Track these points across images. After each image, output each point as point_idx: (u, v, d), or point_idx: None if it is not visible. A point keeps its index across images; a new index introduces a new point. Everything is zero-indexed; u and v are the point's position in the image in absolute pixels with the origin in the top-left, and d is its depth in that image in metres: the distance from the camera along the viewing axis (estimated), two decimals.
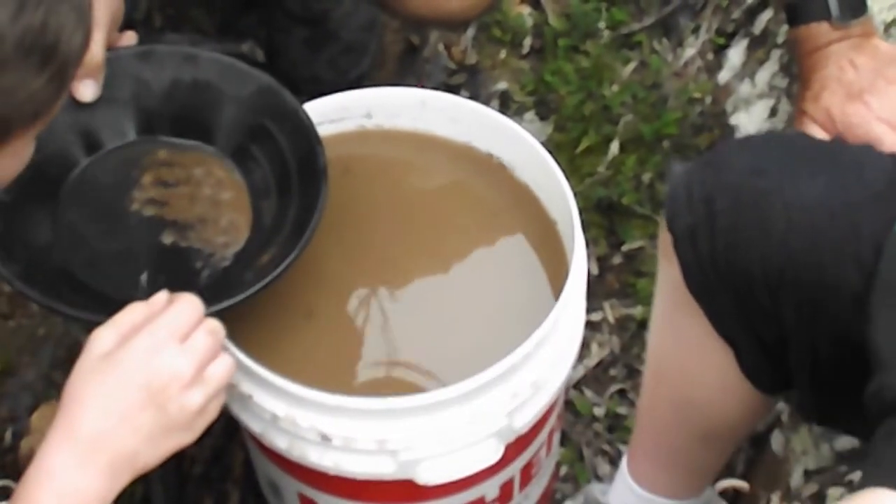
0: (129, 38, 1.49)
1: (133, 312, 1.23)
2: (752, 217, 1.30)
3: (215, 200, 1.47)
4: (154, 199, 1.46)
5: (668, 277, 1.43)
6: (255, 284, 1.36)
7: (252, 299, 1.36)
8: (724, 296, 1.35)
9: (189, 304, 1.24)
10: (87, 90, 1.43)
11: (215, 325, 1.25)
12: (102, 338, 1.21)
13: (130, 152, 1.48)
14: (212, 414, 1.23)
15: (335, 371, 1.48)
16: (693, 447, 1.58)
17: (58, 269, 1.40)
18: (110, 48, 1.45)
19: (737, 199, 1.31)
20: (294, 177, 1.46)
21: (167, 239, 1.44)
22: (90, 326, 1.25)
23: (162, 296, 1.26)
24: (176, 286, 1.36)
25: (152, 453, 1.20)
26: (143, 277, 1.41)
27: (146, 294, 1.27)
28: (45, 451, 1.16)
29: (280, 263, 1.37)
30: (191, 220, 1.45)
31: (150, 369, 1.19)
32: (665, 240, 1.39)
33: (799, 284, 1.28)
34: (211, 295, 1.34)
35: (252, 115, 1.49)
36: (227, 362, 1.25)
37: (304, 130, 1.47)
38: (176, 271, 1.43)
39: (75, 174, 1.46)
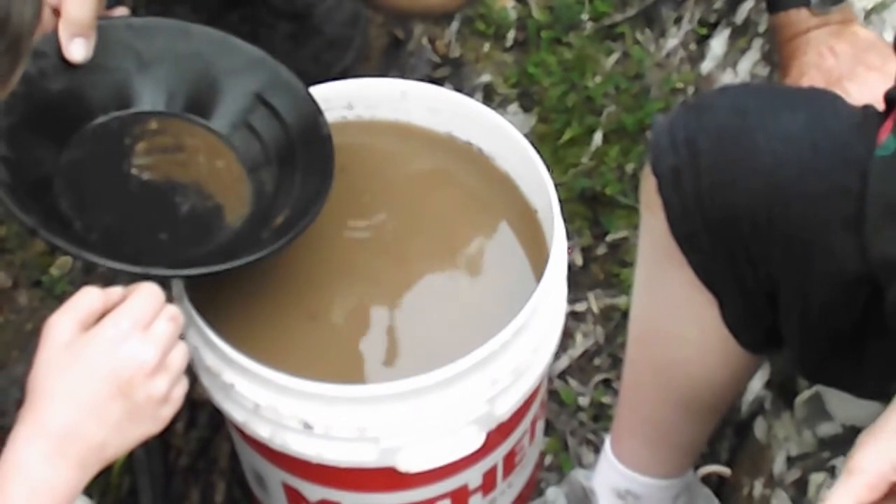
0: (121, 11, 1.49)
1: (88, 297, 1.22)
2: (737, 153, 1.30)
3: (211, 168, 1.47)
4: (151, 165, 1.45)
5: (650, 230, 1.43)
6: (276, 241, 1.36)
7: (278, 253, 1.36)
8: (709, 239, 1.35)
9: (150, 292, 1.24)
10: (77, 49, 1.40)
11: (175, 311, 1.25)
12: (61, 326, 1.20)
13: (122, 122, 1.47)
14: (176, 402, 1.23)
15: (341, 370, 1.47)
16: (676, 417, 1.58)
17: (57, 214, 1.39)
18: (102, 17, 1.43)
19: (720, 138, 1.32)
20: (297, 145, 1.46)
21: (173, 202, 1.44)
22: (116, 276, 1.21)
23: (117, 288, 1.25)
24: (189, 247, 1.38)
25: (120, 443, 1.20)
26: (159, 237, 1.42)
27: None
28: (16, 445, 1.16)
29: (299, 221, 1.38)
30: (191, 185, 1.45)
31: (117, 359, 1.19)
32: (648, 188, 1.39)
33: (787, 219, 1.29)
34: (226, 255, 1.35)
35: (247, 85, 1.49)
36: (184, 348, 1.25)
37: (304, 100, 1.48)
38: (188, 234, 1.42)
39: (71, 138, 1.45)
